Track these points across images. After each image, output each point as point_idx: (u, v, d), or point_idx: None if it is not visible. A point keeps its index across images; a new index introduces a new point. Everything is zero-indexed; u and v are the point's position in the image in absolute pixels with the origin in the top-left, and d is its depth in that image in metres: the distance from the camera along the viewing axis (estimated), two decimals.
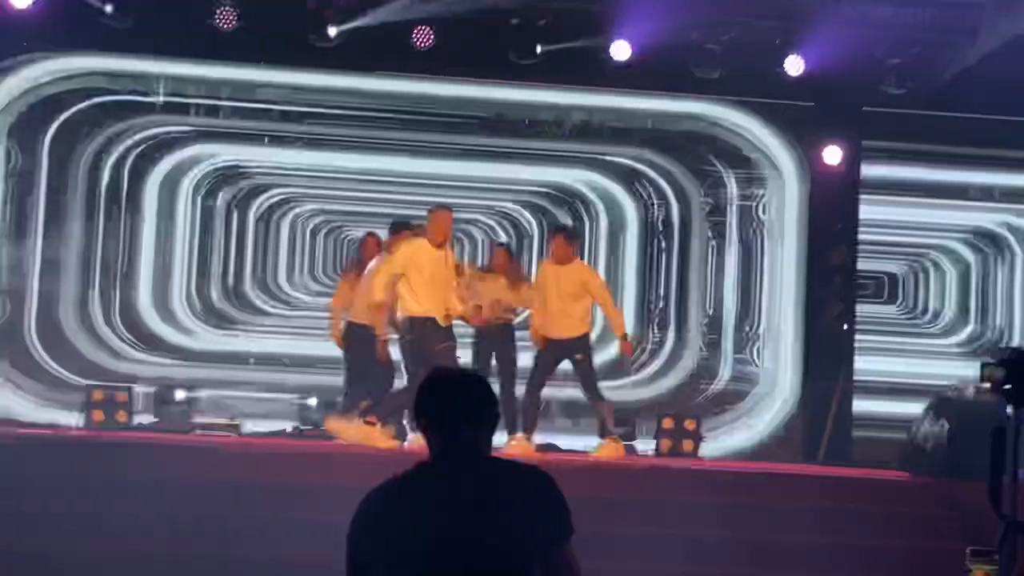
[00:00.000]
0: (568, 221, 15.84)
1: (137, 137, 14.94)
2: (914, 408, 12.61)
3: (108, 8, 12.57)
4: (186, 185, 15.77)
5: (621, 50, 12.94)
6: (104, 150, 14.76)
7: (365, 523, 3.64)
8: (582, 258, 13.70)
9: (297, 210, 17.38)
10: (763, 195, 14.61)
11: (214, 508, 9.30)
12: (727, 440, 13.89)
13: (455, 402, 3.73)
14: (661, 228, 15.60)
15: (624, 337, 12.26)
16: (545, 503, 3.66)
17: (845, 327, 13.71)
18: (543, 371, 12.04)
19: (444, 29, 12.82)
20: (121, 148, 14.92)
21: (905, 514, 10.33)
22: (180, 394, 13.25)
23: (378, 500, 3.67)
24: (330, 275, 17.33)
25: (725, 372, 14.89)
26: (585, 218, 16.33)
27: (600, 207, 16.17)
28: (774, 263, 14.42)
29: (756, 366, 14.62)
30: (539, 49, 13.00)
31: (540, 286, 12.08)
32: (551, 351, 11.98)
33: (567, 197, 16.36)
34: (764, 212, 14.61)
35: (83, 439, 11.90)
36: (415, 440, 11.34)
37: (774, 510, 10.09)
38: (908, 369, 14.96)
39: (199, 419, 13.11)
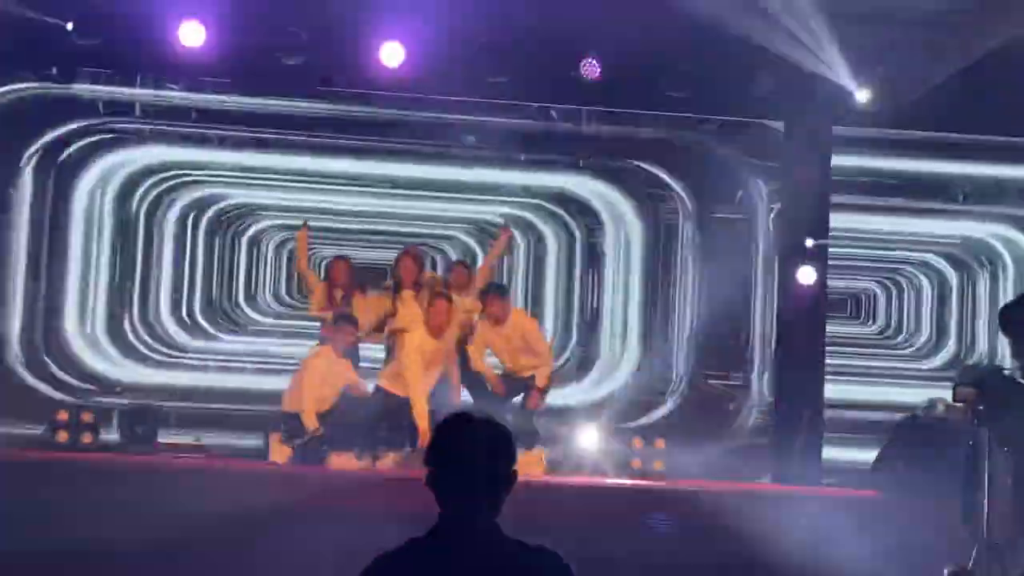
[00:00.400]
0: (584, 237, 15.61)
1: (67, 129, 14.32)
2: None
3: (69, 26, 12.42)
4: (135, 195, 15.23)
5: (589, 69, 12.89)
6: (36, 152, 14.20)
7: None
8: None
9: (260, 224, 16.88)
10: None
11: (183, 531, 9.19)
12: (696, 458, 13.80)
13: (465, 464, 3.44)
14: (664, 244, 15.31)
15: (540, 389, 12.13)
16: None
17: (814, 346, 13.65)
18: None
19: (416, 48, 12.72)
20: (50, 148, 14.33)
21: (875, 533, 10.29)
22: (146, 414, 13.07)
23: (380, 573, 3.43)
24: (294, 296, 16.98)
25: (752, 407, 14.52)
26: (576, 232, 15.96)
27: (605, 217, 15.73)
28: (757, 282, 14.44)
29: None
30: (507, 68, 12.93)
31: (485, 346, 12.05)
32: (512, 387, 12.03)
33: (560, 208, 15.95)
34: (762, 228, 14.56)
35: (47, 460, 11.74)
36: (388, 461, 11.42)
37: (743, 529, 10.04)
38: (881, 398, 14.76)
39: (164, 440, 12.93)
